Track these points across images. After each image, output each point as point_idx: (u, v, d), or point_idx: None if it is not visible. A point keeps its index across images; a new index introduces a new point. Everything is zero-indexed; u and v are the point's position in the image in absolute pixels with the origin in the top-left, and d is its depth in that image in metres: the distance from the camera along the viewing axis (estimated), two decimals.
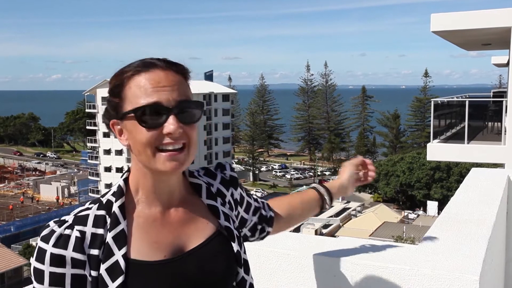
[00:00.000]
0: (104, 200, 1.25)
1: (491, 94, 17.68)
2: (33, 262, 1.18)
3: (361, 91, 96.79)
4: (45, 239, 1.17)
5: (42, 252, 1.16)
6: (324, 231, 41.15)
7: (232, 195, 1.44)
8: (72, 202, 62.68)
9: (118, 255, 1.19)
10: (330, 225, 43.80)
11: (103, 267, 1.18)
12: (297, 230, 40.73)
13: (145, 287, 1.19)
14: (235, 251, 1.32)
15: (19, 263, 37.29)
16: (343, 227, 43.82)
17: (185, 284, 1.24)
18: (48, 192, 66.24)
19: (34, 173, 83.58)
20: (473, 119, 12.20)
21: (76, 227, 1.19)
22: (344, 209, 50.12)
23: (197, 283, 1.25)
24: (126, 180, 1.29)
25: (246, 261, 1.38)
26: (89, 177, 67.84)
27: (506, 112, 11.38)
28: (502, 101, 11.89)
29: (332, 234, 39.33)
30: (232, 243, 1.32)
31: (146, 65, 1.21)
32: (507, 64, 17.00)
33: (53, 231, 1.18)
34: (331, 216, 46.99)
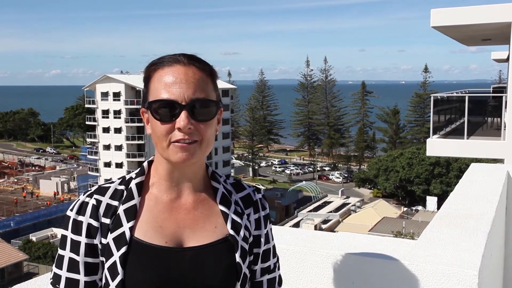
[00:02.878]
0: (127, 177, 1.36)
1: (491, 89, 17.67)
2: (61, 230, 1.30)
3: (361, 86, 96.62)
4: (72, 208, 1.30)
5: (67, 219, 1.29)
6: (324, 226, 41.23)
7: (249, 215, 1.42)
8: (71, 198, 62.69)
9: (125, 226, 1.28)
10: (330, 220, 43.88)
11: (110, 236, 1.27)
12: (296, 225, 40.82)
13: (142, 266, 1.25)
14: (237, 261, 1.31)
15: (19, 258, 37.36)
16: (343, 222, 43.88)
17: (180, 276, 1.26)
18: (48, 188, 66.24)
19: (33, 168, 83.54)
20: (472, 114, 12.19)
21: (95, 196, 1.31)
22: (344, 205, 50.19)
23: (192, 280, 1.26)
24: (150, 163, 1.38)
25: (245, 275, 1.35)
26: (89, 173, 67.72)
27: (505, 107, 11.37)
28: (501, 96, 11.88)
29: (331, 229, 39.38)
30: (236, 253, 1.32)
31: (169, 60, 1.27)
32: (507, 60, 16.97)
33: (78, 200, 1.31)
34: (331, 212, 47.08)
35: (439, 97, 13.20)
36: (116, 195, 1.32)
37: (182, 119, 1.22)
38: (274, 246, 1.49)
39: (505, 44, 14.65)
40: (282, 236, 2.23)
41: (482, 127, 12.88)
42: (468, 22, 10.92)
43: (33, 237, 44.04)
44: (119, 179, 1.37)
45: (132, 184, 1.33)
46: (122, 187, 1.33)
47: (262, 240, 1.43)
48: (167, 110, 1.24)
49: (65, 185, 67.25)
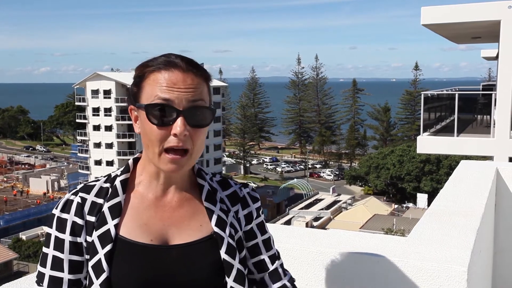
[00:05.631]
0: (113, 174, 1.36)
1: (481, 87, 17.78)
2: (46, 228, 1.30)
3: (352, 84, 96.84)
4: (57, 206, 1.30)
5: (52, 217, 1.29)
6: (315, 223, 41.30)
7: (237, 212, 1.40)
8: (61, 197, 62.21)
9: (110, 224, 1.27)
10: (321, 217, 43.96)
11: (95, 234, 1.26)
12: (288, 223, 40.87)
13: (128, 264, 1.24)
14: (222, 258, 1.30)
15: (8, 257, 37.08)
16: (334, 219, 44.00)
17: (165, 273, 1.26)
18: (38, 186, 65.68)
19: (23, 166, 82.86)
20: (462, 112, 12.28)
21: (80, 194, 1.30)
22: (335, 202, 50.33)
23: (177, 277, 1.26)
24: (136, 160, 1.37)
25: (240, 271, 1.32)
26: (79, 171, 67.30)
27: (495, 105, 11.45)
28: (491, 94, 11.96)
29: (323, 226, 39.49)
30: (220, 250, 1.30)
31: (168, 63, 1.25)
32: (497, 57, 17.09)
33: (63, 198, 1.32)
34: (322, 209, 47.18)
35: (429, 94, 13.27)
36: (101, 192, 1.31)
37: (178, 125, 1.21)
38: (271, 236, 1.50)
39: (495, 42, 14.74)
40: (273, 234, 2.23)
41: (472, 124, 12.98)
42: (458, 20, 10.99)
43: (23, 235, 43.72)
44: (104, 177, 1.36)
45: (117, 182, 1.32)
46: (108, 184, 1.32)
47: (257, 230, 1.43)
48: (163, 115, 1.22)
49: (55, 183, 66.77)
